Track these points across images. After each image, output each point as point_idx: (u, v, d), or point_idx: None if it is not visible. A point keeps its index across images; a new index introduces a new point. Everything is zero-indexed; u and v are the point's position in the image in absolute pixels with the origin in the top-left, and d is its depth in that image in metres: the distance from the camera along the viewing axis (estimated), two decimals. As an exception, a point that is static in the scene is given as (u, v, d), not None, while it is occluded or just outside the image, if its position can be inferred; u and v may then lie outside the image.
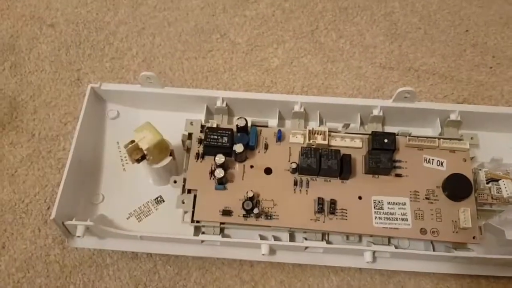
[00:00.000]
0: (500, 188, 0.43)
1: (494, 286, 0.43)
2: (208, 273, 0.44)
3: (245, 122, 0.44)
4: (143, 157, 0.40)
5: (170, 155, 0.43)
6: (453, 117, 0.47)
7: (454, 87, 0.53)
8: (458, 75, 0.54)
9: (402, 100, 0.46)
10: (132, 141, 0.40)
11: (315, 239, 0.43)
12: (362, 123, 0.49)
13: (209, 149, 0.44)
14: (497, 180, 0.43)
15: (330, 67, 0.55)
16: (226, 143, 0.43)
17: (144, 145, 0.39)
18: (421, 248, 0.44)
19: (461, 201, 0.43)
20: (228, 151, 0.43)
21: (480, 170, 0.44)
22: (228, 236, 0.44)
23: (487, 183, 0.43)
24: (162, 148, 0.41)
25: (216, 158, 0.42)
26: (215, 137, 0.44)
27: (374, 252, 0.42)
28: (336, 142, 0.45)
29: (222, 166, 0.42)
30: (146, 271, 0.44)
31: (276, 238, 0.44)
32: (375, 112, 0.47)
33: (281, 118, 0.49)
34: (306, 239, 0.43)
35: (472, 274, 0.44)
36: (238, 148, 0.42)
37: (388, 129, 0.49)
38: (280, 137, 0.45)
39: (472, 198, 0.43)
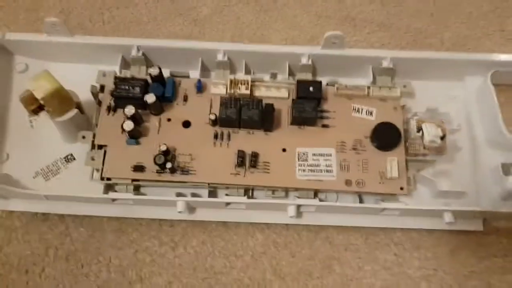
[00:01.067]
0: (426, 130, 0.40)
1: (426, 240, 0.42)
2: (124, 235, 0.42)
3: (158, 70, 0.40)
4: (41, 108, 0.37)
5: (78, 108, 0.40)
6: (385, 64, 0.44)
7: (392, 35, 0.50)
8: (397, 22, 0.51)
9: (331, 47, 0.44)
10: (28, 91, 0.37)
11: (237, 195, 0.41)
12: (291, 73, 0.46)
13: (120, 101, 0.40)
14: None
15: (263, 17, 0.52)
16: (139, 93, 0.40)
17: (39, 94, 0.36)
18: (350, 202, 0.43)
19: (389, 151, 0.41)
20: (141, 103, 0.40)
21: (411, 119, 0.42)
22: (144, 195, 0.41)
23: (418, 132, 0.41)
24: (63, 99, 0.38)
25: (125, 109, 0.39)
26: (126, 87, 0.40)
27: (299, 206, 0.40)
28: (261, 92, 0.42)
29: (134, 118, 0.39)
30: (57, 234, 0.41)
31: (195, 195, 0.41)
32: (304, 60, 0.44)
33: (205, 70, 0.46)
34: (227, 195, 0.41)
35: (403, 227, 0.42)
36: (150, 98, 0.39)
37: (319, 79, 0.46)
38: (200, 87, 0.42)
39: (401, 148, 0.41)
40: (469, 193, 0.42)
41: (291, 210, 0.40)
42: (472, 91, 0.46)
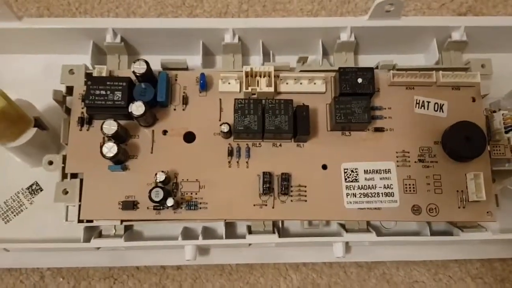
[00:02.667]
0: None
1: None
2: (117, 284, 0.32)
3: (145, 66, 0.29)
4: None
5: (37, 126, 0.30)
6: (456, 36, 0.33)
7: None
8: None
9: (382, 16, 0.32)
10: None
11: (264, 230, 0.30)
12: (326, 54, 0.34)
13: (96, 111, 0.30)
14: None
15: (280, -28, 0.39)
16: (120, 100, 0.29)
17: (-26, 119, 0.25)
18: (413, 227, 0.32)
19: (469, 161, 0.30)
20: (125, 113, 0.29)
21: (495, 112, 0.31)
22: (139, 233, 0.32)
23: (507, 132, 0.31)
24: (13, 119, 0.27)
25: (103, 127, 0.28)
26: (102, 92, 0.29)
27: (346, 243, 0.31)
28: (288, 87, 0.31)
29: (117, 137, 0.29)
30: (30, 286, 0.32)
31: (208, 231, 0.32)
32: (344, 36, 0.33)
33: (208, 54, 0.34)
34: (251, 229, 0.31)
35: (483, 258, 0.33)
36: (136, 109, 0.28)
37: (364, 60, 0.35)
38: (203, 84, 0.30)
39: (485, 157, 0.30)
40: None
41: (339, 250, 0.30)
42: None
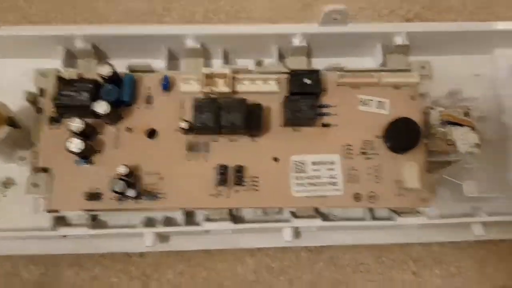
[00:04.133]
0: (461, 137, 0.33)
1: (449, 253, 0.35)
2: (83, 270, 0.34)
3: (110, 70, 0.31)
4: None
5: (11, 125, 0.32)
6: (398, 40, 0.36)
7: None
8: None
9: (330, 23, 0.35)
10: None
11: (220, 218, 0.33)
12: (282, 58, 0.37)
13: (65, 111, 0.32)
14: (454, 124, 0.33)
15: (242, -17, 0.42)
16: (86, 101, 0.31)
17: None
18: (358, 214, 0.35)
19: (407, 153, 0.33)
20: (91, 112, 0.31)
21: (433, 109, 0.34)
22: (104, 223, 0.34)
23: (442, 127, 0.33)
24: (-14, 117, 0.30)
25: (69, 124, 0.30)
26: (71, 93, 0.31)
27: (296, 228, 0.34)
28: (245, 87, 0.33)
29: (83, 133, 0.31)
30: (2, 274, 0.34)
31: (168, 220, 0.34)
32: (296, 41, 0.35)
33: (173, 59, 0.37)
34: (208, 217, 0.33)
35: (423, 242, 0.36)
36: (100, 107, 0.31)
37: (317, 63, 0.38)
38: (166, 85, 0.33)
39: (421, 149, 0.32)
40: (501, 196, 0.34)
41: (287, 234, 0.32)
42: (503, 66, 0.37)
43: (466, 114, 0.35)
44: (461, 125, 0.34)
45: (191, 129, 0.32)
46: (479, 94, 0.36)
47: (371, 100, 0.34)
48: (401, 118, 0.33)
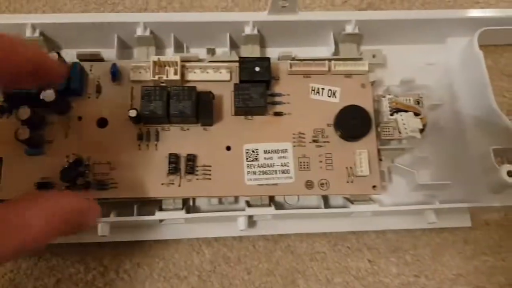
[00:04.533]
0: (402, 121, 0.33)
1: (404, 241, 0.35)
2: (41, 261, 0.34)
3: (56, 57, 0.31)
4: None
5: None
6: (349, 29, 0.36)
7: None
8: None
9: (280, 11, 0.35)
10: None
11: (174, 207, 0.33)
12: (235, 47, 0.37)
13: (13, 101, 0.31)
14: (402, 111, 0.34)
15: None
16: (34, 89, 0.31)
17: None
18: (313, 202, 0.35)
19: (358, 140, 0.33)
20: (39, 101, 0.31)
21: (383, 97, 0.34)
22: (55, 215, 0.34)
23: (392, 115, 0.34)
24: None
25: (17, 112, 0.30)
26: (18, 82, 0.32)
27: (250, 216, 0.34)
28: (196, 76, 0.33)
29: (31, 122, 0.31)
30: None
31: (120, 211, 0.33)
32: (248, 30, 0.35)
33: (125, 47, 0.37)
34: (162, 209, 0.33)
35: (378, 229, 0.36)
36: (48, 95, 0.30)
37: (270, 52, 0.38)
38: (115, 74, 0.33)
39: (372, 136, 0.33)
40: (454, 183, 0.35)
41: (241, 223, 0.32)
42: (455, 55, 0.38)
43: (418, 102, 0.35)
44: (406, 111, 0.35)
45: (140, 118, 0.32)
46: (432, 83, 0.36)
47: (323, 88, 0.34)
48: (351, 105, 0.33)
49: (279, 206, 0.34)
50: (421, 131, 0.34)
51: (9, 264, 0.34)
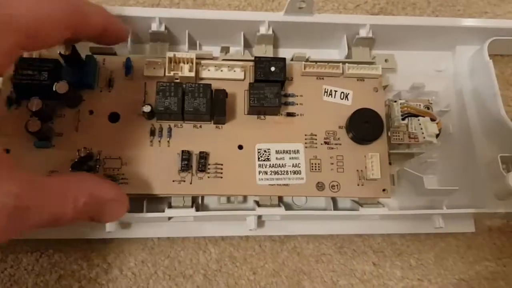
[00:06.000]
0: (420, 126, 0.34)
1: (409, 245, 0.36)
2: (43, 257, 0.33)
3: (70, 48, 0.31)
4: None
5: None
6: (363, 33, 0.36)
7: None
8: None
9: (296, 12, 0.35)
10: None
11: (183, 205, 0.33)
12: (249, 46, 0.37)
13: (24, 91, 0.31)
14: (415, 116, 0.35)
15: (211, -31, 0.42)
16: (46, 80, 0.31)
17: None
18: (321, 204, 0.36)
19: (369, 144, 0.34)
20: (51, 92, 0.30)
21: (394, 102, 0.35)
22: (63, 209, 0.34)
23: (403, 119, 0.34)
24: None
25: (29, 103, 0.30)
26: (30, 72, 0.31)
27: (259, 216, 0.34)
28: (209, 73, 0.33)
29: (42, 114, 0.30)
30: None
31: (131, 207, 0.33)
32: (263, 30, 0.36)
33: (138, 42, 0.37)
34: (171, 204, 0.33)
35: (383, 233, 0.36)
36: (60, 87, 0.30)
37: (283, 53, 0.38)
38: (129, 68, 0.32)
39: (383, 140, 0.33)
40: (460, 189, 0.35)
41: (251, 222, 0.33)
42: (463, 63, 0.39)
43: (427, 107, 0.36)
44: (421, 116, 0.35)
45: (153, 114, 0.32)
46: (441, 89, 0.37)
47: (335, 91, 0.35)
48: (363, 109, 0.33)
49: (287, 207, 0.34)
50: (437, 136, 0.35)
51: (9, 258, 0.34)
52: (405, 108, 0.34)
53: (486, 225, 0.37)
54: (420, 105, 0.35)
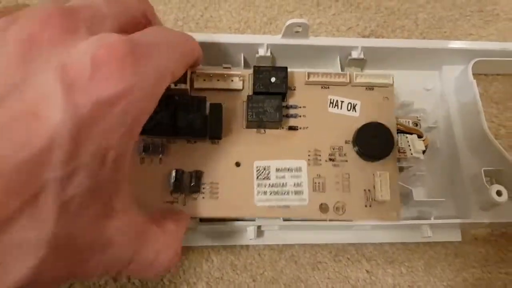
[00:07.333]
0: (408, 142, 0.14)
1: (400, 253, 0.16)
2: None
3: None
4: None
5: None
6: (355, 54, 0.16)
7: (360, 16, 0.20)
8: (365, 1, 0.21)
9: (293, 36, 0.15)
10: None
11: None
12: (248, 66, 0.16)
13: None
14: (405, 132, 0.14)
15: (212, -4, 0.22)
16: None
17: None
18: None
19: (378, 161, 0.13)
20: None
21: (391, 118, 0.15)
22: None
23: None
24: None
25: None
26: None
27: (258, 226, 0.15)
28: (205, 84, 0.13)
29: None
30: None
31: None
32: (261, 51, 0.15)
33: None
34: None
35: (375, 242, 0.17)
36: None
37: (281, 70, 0.19)
38: (122, 80, 0.15)
39: (393, 157, 0.13)
40: (447, 201, 0.15)
41: (251, 232, 0.13)
42: (450, 82, 0.18)
43: (416, 124, 0.16)
44: (410, 133, 0.16)
45: (144, 129, 0.13)
46: (429, 106, 0.17)
47: (342, 101, 0.15)
48: (372, 122, 0.13)
49: (286, 217, 0.15)
50: (423, 152, 0.15)
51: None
52: (396, 125, 0.15)
53: (472, 235, 0.17)
54: (409, 122, 0.15)
